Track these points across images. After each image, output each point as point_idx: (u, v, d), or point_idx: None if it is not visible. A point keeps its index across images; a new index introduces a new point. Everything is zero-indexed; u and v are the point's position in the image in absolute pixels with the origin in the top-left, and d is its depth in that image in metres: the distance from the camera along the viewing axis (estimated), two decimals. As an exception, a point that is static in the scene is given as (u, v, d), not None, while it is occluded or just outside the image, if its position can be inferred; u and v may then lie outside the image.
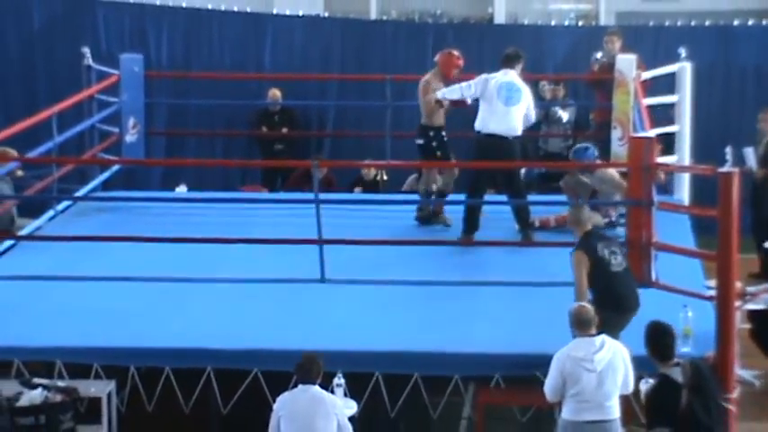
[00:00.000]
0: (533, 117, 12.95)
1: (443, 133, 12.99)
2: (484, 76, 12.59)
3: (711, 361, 9.33)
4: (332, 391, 9.39)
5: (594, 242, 9.99)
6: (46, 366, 10.43)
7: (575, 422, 8.89)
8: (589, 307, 9.15)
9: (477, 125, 12.53)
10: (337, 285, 11.13)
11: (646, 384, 8.85)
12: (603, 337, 9.01)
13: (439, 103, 12.71)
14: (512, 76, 12.62)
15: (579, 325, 9.02)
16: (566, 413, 8.96)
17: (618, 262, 9.96)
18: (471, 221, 12.59)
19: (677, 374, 8.58)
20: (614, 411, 8.89)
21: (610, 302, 9.75)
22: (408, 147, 15.57)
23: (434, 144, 12.96)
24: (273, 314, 10.89)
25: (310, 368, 9.04)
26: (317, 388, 9.03)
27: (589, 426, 8.85)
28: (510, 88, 12.51)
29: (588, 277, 9.86)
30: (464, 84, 12.60)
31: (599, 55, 14.44)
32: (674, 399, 8.50)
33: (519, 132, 12.56)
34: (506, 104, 12.47)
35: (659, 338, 8.71)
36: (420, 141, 13.16)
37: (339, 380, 9.59)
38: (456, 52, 13.09)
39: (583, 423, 8.86)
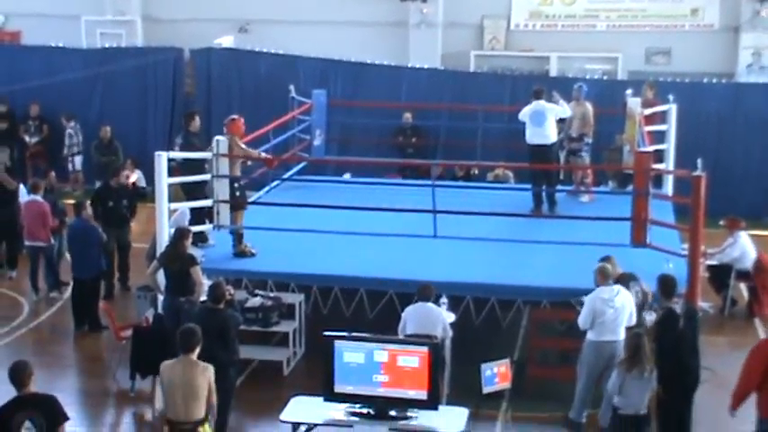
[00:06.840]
0: (568, 112, 12.73)
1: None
2: (523, 110, 12.57)
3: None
4: (439, 306, 9.30)
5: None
6: (262, 284, 10.61)
7: (597, 342, 8.69)
8: (608, 265, 8.85)
9: (528, 139, 12.44)
10: (445, 240, 10.92)
11: (650, 316, 8.58)
12: (618, 286, 8.74)
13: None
14: (538, 104, 12.44)
15: (603, 277, 8.75)
16: (590, 335, 8.72)
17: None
18: (538, 201, 12.47)
19: (677, 308, 8.33)
20: (622, 335, 8.56)
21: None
22: (493, 153, 15.45)
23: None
24: (403, 256, 10.82)
25: (426, 292, 9.07)
26: (430, 304, 9.04)
27: (606, 344, 8.64)
28: (537, 113, 12.41)
29: None
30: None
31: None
32: (674, 326, 8.22)
33: (554, 139, 12.42)
34: (536, 126, 12.39)
35: (667, 284, 8.44)
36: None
37: (444, 299, 9.52)
38: (238, 117, 11.20)
39: (603, 342, 8.66)
